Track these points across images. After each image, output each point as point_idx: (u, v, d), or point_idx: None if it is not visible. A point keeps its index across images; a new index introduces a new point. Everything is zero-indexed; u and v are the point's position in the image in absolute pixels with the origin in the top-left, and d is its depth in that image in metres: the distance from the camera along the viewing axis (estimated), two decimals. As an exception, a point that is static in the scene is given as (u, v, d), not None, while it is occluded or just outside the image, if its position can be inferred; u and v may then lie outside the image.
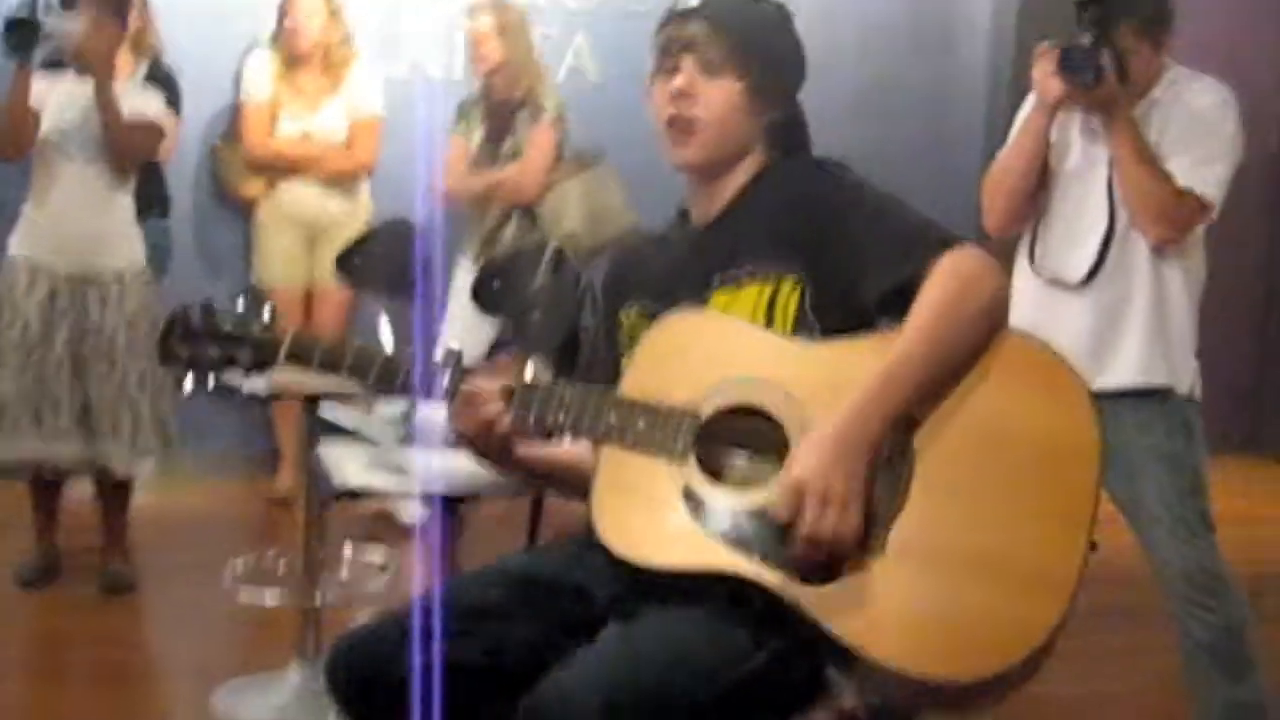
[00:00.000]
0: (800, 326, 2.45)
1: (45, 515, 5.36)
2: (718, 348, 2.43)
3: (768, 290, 2.48)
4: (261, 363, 2.54)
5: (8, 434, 5.06)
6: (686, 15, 2.58)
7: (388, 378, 2.51)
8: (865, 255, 2.42)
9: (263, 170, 6.58)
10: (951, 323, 2.31)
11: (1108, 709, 4.47)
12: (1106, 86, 3.47)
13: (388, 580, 5.29)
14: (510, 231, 5.81)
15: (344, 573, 5.32)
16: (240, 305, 2.57)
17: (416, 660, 2.35)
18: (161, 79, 5.54)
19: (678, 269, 2.61)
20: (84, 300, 5.09)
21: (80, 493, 5.62)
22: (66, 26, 4.93)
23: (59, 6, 5.03)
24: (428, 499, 3.46)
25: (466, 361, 2.53)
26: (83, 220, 5.11)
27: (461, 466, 3.03)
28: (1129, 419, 3.55)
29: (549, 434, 2.56)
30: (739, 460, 2.41)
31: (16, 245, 5.15)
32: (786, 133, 2.65)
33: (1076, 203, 3.65)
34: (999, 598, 2.22)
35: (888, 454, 2.30)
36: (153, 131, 5.22)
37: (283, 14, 6.51)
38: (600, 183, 5.80)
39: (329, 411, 4.19)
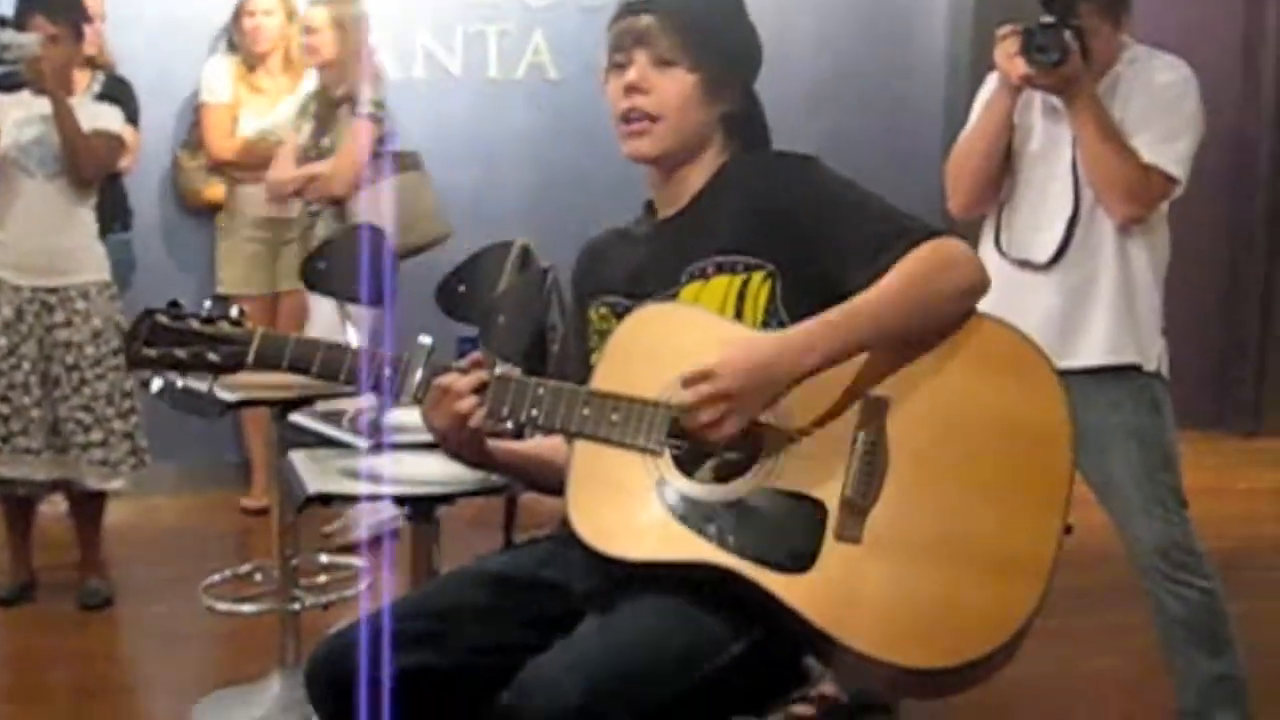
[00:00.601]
0: (770, 318, 2.45)
1: (19, 534, 5.35)
2: (689, 340, 2.42)
3: (737, 282, 2.48)
4: (231, 363, 2.52)
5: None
6: (637, 9, 2.58)
7: (358, 375, 2.49)
8: (841, 248, 2.43)
9: (226, 171, 6.56)
10: (919, 291, 2.34)
11: (1087, 689, 4.48)
12: (1070, 66, 3.48)
13: (365, 586, 5.29)
14: (320, 228, 5.76)
15: (321, 579, 5.30)
16: (207, 306, 2.56)
17: (394, 665, 2.34)
18: (117, 92, 5.53)
19: (645, 263, 2.61)
20: (49, 317, 5.08)
21: (55, 509, 5.60)
22: (21, 44, 4.91)
23: (12, 25, 5.01)
24: (401, 502, 3.44)
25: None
26: (45, 237, 5.10)
27: (434, 468, 3.02)
28: (1098, 397, 3.56)
29: (521, 429, 2.55)
30: (710, 452, 2.40)
31: (-21, 265, 5.13)
32: (744, 124, 2.66)
33: (1041, 184, 3.66)
34: (976, 583, 2.23)
35: (863, 441, 2.30)
36: (113, 144, 5.22)
37: (239, 15, 6.51)
38: (414, 187, 5.76)
39: (298, 418, 4.18)
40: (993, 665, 2.25)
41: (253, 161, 6.43)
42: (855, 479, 2.29)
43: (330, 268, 4.84)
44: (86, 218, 5.18)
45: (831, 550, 2.27)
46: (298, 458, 3.67)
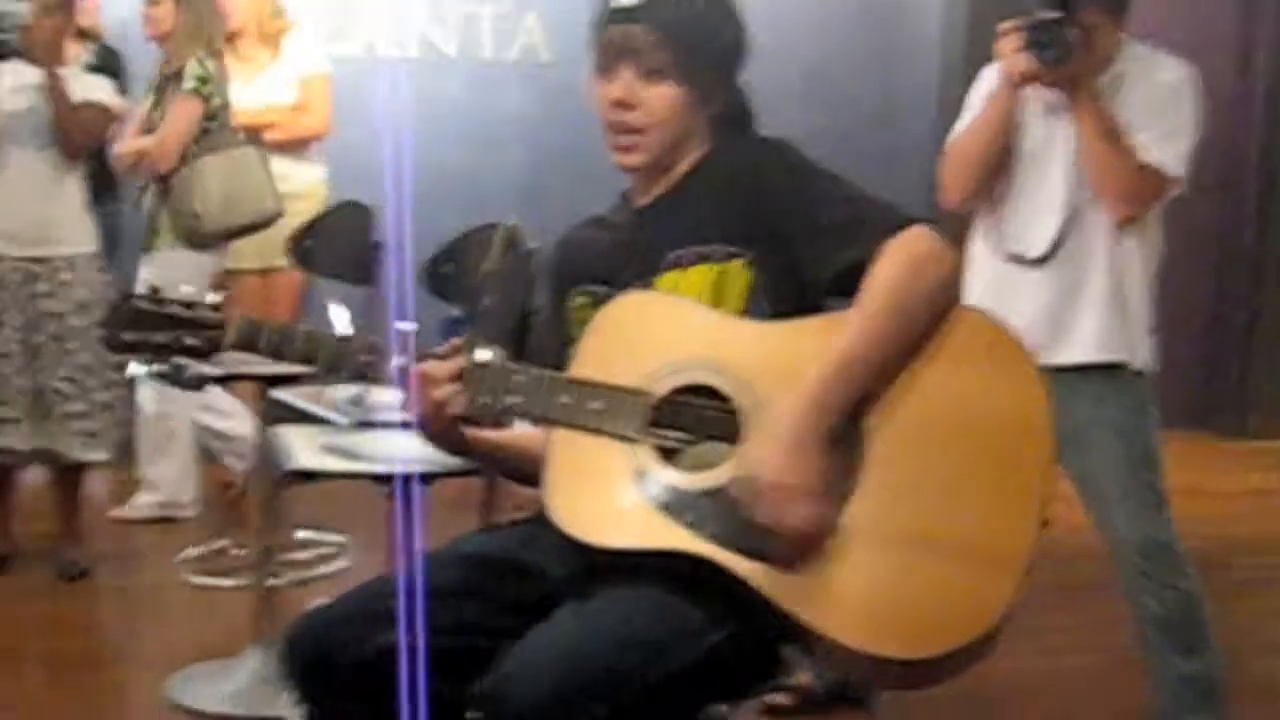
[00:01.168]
0: (750, 307, 2.44)
1: (0, 505, 5.34)
2: (667, 328, 2.42)
3: (715, 271, 2.47)
4: (208, 349, 2.51)
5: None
6: (624, 18, 2.55)
7: (337, 363, 2.50)
8: (815, 236, 2.42)
9: None
10: (903, 303, 2.31)
11: (1065, 683, 4.49)
12: (1073, 64, 3.47)
13: (343, 563, 5.28)
14: (147, 203, 5.66)
15: (299, 556, 5.30)
16: (186, 290, 2.55)
17: (371, 643, 2.34)
18: (108, 63, 5.52)
19: (623, 252, 2.60)
20: (35, 286, 5.08)
21: (34, 479, 5.59)
22: (14, 13, 4.91)
23: (4, -6, 5.01)
24: (381, 479, 3.44)
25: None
26: (33, 207, 5.10)
27: (416, 447, 3.01)
28: (1083, 393, 3.56)
29: (500, 416, 2.55)
30: (691, 440, 2.40)
31: (-34, 234, 5.11)
32: (731, 117, 2.65)
33: (1036, 179, 3.65)
34: (952, 575, 2.22)
35: (838, 435, 2.29)
36: (103, 115, 5.22)
37: None
38: (241, 165, 5.64)
39: (283, 394, 4.17)
40: (970, 658, 2.25)
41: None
42: (830, 471, 2.28)
43: (317, 246, 4.83)
44: (75, 188, 5.18)
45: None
46: (284, 431, 3.67)
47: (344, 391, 3.93)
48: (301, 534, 5.51)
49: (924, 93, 7.77)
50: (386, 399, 3.67)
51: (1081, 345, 3.61)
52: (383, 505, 3.53)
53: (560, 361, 2.52)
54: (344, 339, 2.50)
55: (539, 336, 2.82)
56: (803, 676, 3.90)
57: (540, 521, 2.44)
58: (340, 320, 4.68)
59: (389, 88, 6.41)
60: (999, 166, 3.68)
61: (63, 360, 5.08)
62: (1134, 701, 3.93)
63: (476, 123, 7.24)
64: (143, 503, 5.96)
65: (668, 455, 2.37)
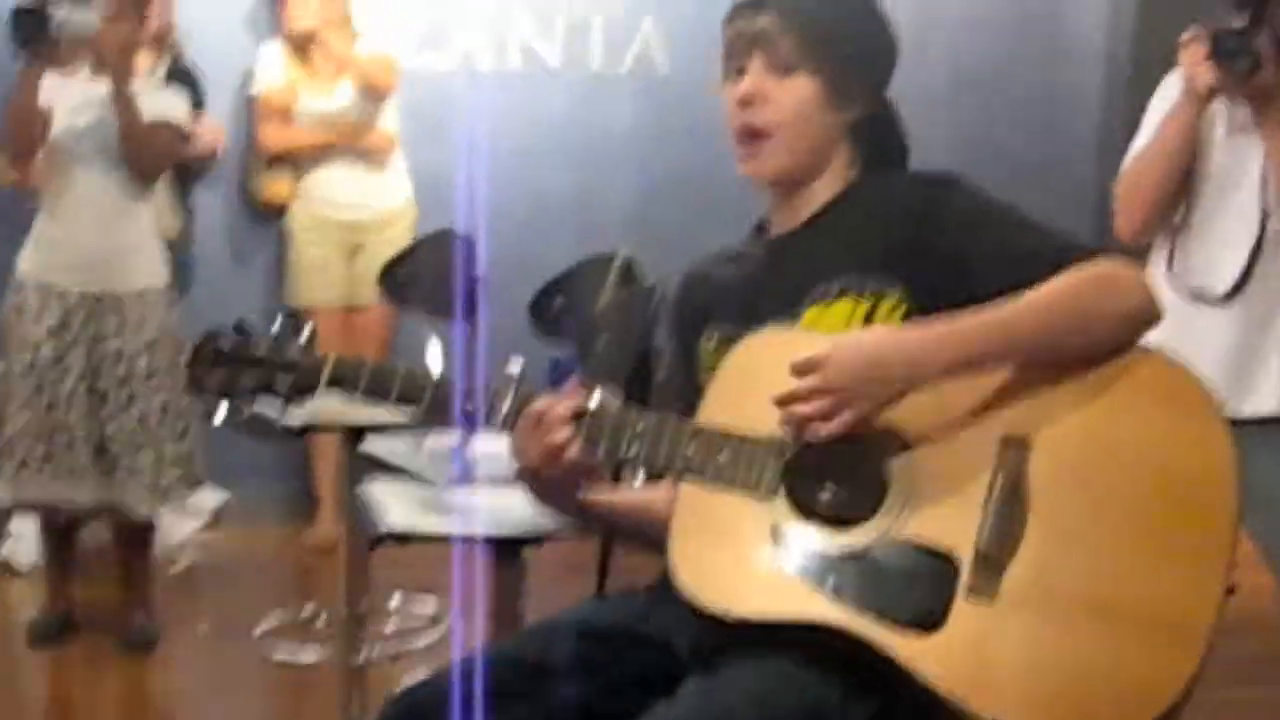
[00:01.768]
0: (900, 351, 2.45)
1: (59, 562, 5.39)
2: (807, 370, 2.44)
3: (864, 307, 2.48)
4: (301, 390, 2.55)
5: (17, 473, 5.08)
6: (754, 7, 2.59)
7: (441, 404, 2.52)
8: (987, 275, 2.41)
9: (283, 163, 6.67)
10: (1070, 307, 2.33)
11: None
12: (1264, 75, 3.45)
13: (439, 635, 5.31)
14: None
15: (391, 626, 5.34)
16: (276, 326, 2.60)
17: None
18: (184, 78, 5.58)
19: (760, 288, 2.62)
20: (100, 324, 5.11)
21: (98, 539, 5.64)
22: (80, 19, 4.91)
23: (68, -1, 5.06)
24: (485, 542, 3.47)
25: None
26: (99, 235, 5.13)
27: (521, 506, 3.05)
28: (1271, 449, 3.52)
29: (619, 467, 2.57)
30: (833, 495, 2.41)
31: (26, 264, 5.18)
32: (875, 132, 2.66)
33: (1222, 206, 3.63)
34: (1125, 650, 2.22)
35: (1001, 485, 2.30)
36: (175, 134, 5.23)
37: None
38: None
39: (372, 446, 4.21)
40: (1145, 741, 2.25)
41: (310, 149, 6.55)
42: (991, 528, 2.29)
43: (412, 278, 4.88)
44: (145, 215, 5.22)
45: (963, 609, 2.27)
46: (375, 488, 3.70)
47: (443, 442, 3.96)
48: (394, 601, 5.54)
49: (1085, 105, 7.72)
50: (491, 449, 3.69)
51: (1269, 394, 3.57)
52: (486, 569, 3.56)
53: (689, 409, 2.53)
54: (447, 380, 2.53)
55: (664, 381, 2.84)
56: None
57: (662, 588, 2.46)
58: (437, 360, 4.73)
59: (487, 103, 6.47)
60: (1180, 192, 3.67)
61: (129, 406, 5.11)
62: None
63: (584, 142, 7.26)
64: None
65: (806, 512, 2.38)
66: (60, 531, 5.35)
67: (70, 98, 5.11)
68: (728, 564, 2.38)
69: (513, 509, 3.24)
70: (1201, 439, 2.31)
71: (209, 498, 6.35)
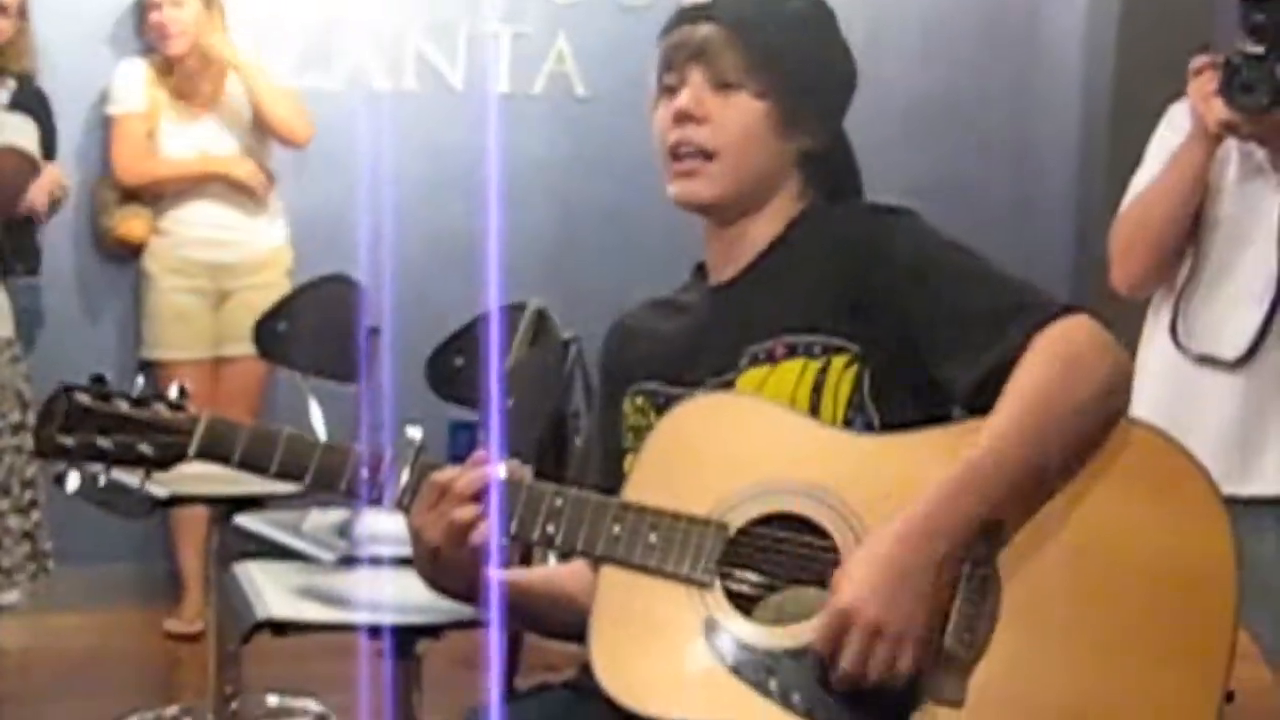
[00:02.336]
0: (854, 414, 2.45)
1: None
2: (749, 441, 2.42)
3: (813, 368, 2.47)
4: (169, 456, 2.53)
5: None
6: (695, 17, 2.59)
7: (330, 476, 2.50)
8: (949, 331, 2.42)
9: (137, 197, 6.62)
10: (1054, 412, 2.31)
11: None
12: None
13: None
14: None
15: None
16: (139, 381, 2.57)
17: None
18: (33, 105, 5.54)
19: (694, 342, 2.61)
20: (-70, 381, 5.06)
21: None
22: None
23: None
24: (375, 633, 3.45)
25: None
26: (-70, 279, 5.08)
27: (416, 591, 3.03)
28: (1274, 532, 3.52)
29: (528, 549, 2.55)
30: (776, 585, 2.39)
31: None
32: (827, 165, 2.67)
33: (1233, 258, 3.60)
34: (1110, 764, 2.22)
35: (968, 575, 2.29)
36: (24, 163, 5.19)
37: (146, 8, 6.58)
38: None
39: (247, 521, 4.19)
40: None
41: (173, 186, 6.52)
42: (957, 624, 2.28)
43: (291, 331, 4.87)
44: (-14, 257, 5.18)
45: (926, 715, 2.26)
46: (247, 571, 3.68)
47: (326, 518, 3.95)
48: (272, 700, 5.51)
49: (1061, 136, 7.76)
50: (381, 527, 3.68)
51: (1276, 472, 3.56)
52: (375, 664, 3.54)
53: (611, 481, 2.53)
54: (336, 448, 2.51)
55: (582, 450, 2.83)
56: None
57: (580, 688, 2.45)
58: (319, 426, 4.71)
59: (378, 128, 6.45)
60: (1185, 239, 3.66)
61: (-35, 475, 5.06)
62: None
63: (490, 173, 7.26)
64: None
65: (746, 604, 2.37)
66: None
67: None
68: (656, 660, 2.37)
69: (409, 594, 3.23)
70: (1197, 528, 2.30)
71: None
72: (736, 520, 2.39)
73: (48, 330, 6.39)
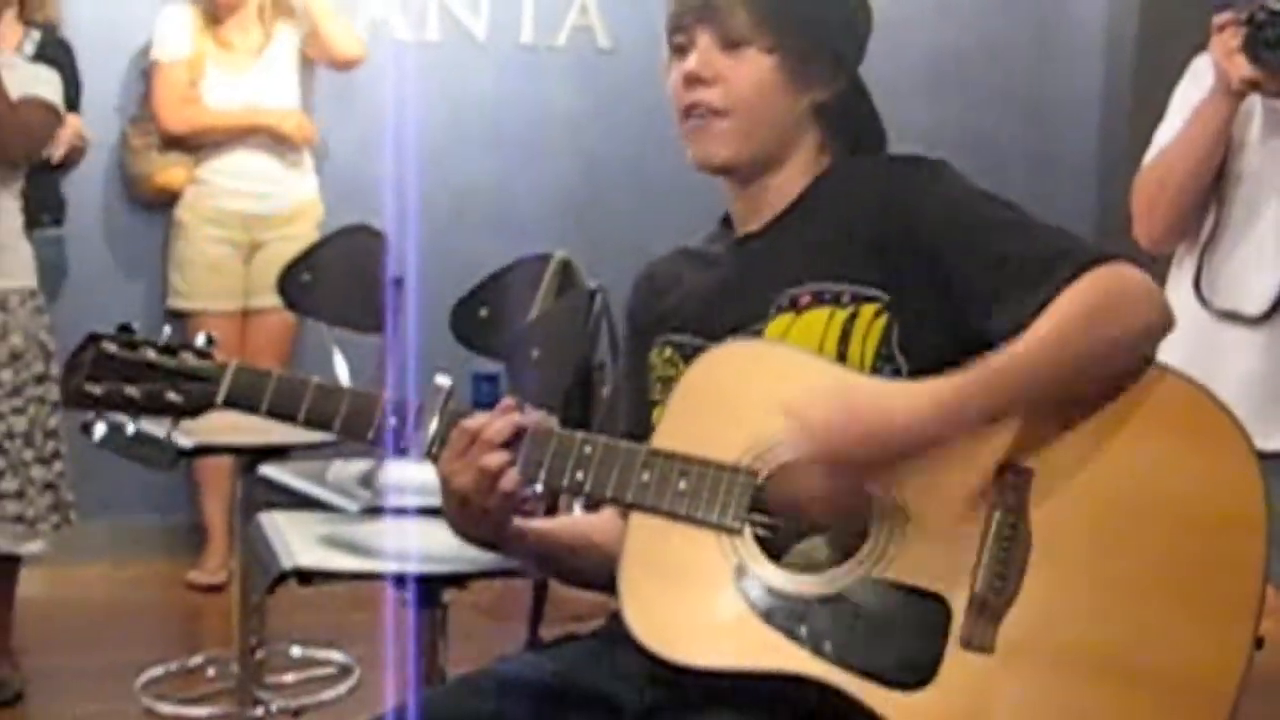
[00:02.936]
0: (883, 363, 2.43)
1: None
2: (778, 387, 2.39)
3: (841, 317, 2.46)
4: (197, 405, 2.52)
5: None
6: None
7: (358, 425, 2.49)
8: (980, 278, 2.41)
9: (184, 147, 6.61)
10: (1085, 339, 2.29)
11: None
12: None
13: (348, 688, 5.28)
14: None
15: (291, 677, 5.31)
16: (167, 330, 2.56)
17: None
18: (57, 56, 5.53)
19: (722, 294, 2.61)
20: (-45, 333, 5.07)
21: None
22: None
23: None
24: (401, 582, 3.44)
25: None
26: (-46, 232, 5.08)
27: (443, 541, 3.03)
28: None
29: (555, 497, 2.54)
30: (807, 531, 2.39)
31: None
32: (847, 118, 2.65)
33: (1256, 215, 3.61)
34: (1139, 707, 2.22)
35: (999, 522, 2.29)
36: (50, 114, 5.19)
37: None
38: None
39: (272, 471, 4.18)
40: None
41: (217, 137, 6.50)
42: (988, 571, 2.28)
43: (316, 281, 4.86)
44: (9, 208, 5.17)
45: (956, 661, 2.25)
46: (272, 521, 3.67)
47: (350, 468, 3.94)
48: (296, 651, 5.52)
49: (1084, 89, 7.74)
50: (408, 477, 3.67)
51: (1302, 428, 3.54)
52: (400, 614, 3.54)
53: (639, 430, 2.53)
54: (364, 395, 2.50)
55: (610, 400, 2.82)
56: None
57: (609, 636, 2.45)
58: (344, 375, 4.70)
59: (401, 80, 6.44)
60: (1208, 195, 3.65)
61: (-11, 425, 5.08)
62: None
63: (513, 125, 7.25)
64: None
65: (776, 550, 2.37)
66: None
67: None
68: (686, 607, 2.37)
69: (434, 544, 3.22)
70: (1228, 475, 2.29)
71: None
72: (765, 466, 2.38)
73: (73, 281, 6.39)
